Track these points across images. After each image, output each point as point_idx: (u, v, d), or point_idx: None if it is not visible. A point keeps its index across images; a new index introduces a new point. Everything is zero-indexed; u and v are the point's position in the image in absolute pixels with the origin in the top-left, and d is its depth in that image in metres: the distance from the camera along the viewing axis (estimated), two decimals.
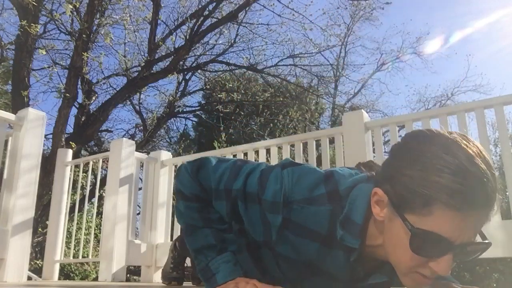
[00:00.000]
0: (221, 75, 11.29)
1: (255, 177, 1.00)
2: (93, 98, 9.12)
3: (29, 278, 3.85)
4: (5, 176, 2.87)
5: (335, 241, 0.95)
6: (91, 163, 4.01)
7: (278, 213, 0.96)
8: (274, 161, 3.23)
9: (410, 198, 0.81)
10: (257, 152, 3.37)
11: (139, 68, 9.00)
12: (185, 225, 1.10)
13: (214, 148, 7.96)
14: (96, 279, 9.85)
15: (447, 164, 0.78)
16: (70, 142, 7.04)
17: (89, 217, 7.66)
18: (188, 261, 2.17)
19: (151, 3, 8.47)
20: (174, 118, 12.28)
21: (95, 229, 6.71)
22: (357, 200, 0.93)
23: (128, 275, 7.85)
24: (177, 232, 3.40)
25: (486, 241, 0.84)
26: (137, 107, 11.40)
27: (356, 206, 0.93)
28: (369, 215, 0.92)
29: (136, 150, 3.65)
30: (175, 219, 1.98)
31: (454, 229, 0.78)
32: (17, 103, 7.10)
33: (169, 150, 9.28)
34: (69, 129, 8.59)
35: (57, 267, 3.57)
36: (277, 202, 0.95)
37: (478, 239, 0.85)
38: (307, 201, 0.94)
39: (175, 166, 3.73)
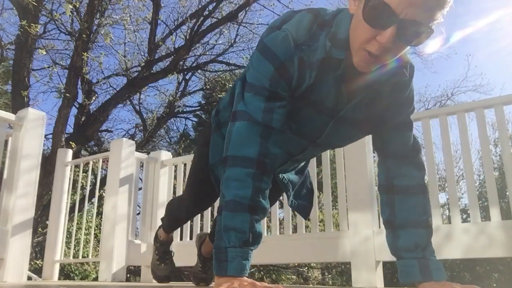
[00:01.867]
0: (221, 75, 11.29)
1: (271, 42, 1.10)
2: (93, 98, 9.13)
3: (29, 278, 3.85)
4: (5, 176, 2.87)
5: (326, 62, 1.09)
6: (91, 163, 4.01)
7: (294, 58, 1.08)
8: None
9: None
10: None
11: (139, 68, 9.00)
12: (231, 199, 1.05)
13: None
14: (96, 279, 9.86)
15: None
16: (70, 142, 7.05)
17: (89, 217, 7.66)
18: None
19: (151, 3, 8.47)
20: (174, 118, 12.28)
21: (95, 229, 6.72)
22: (342, 19, 1.08)
23: (128, 275, 7.85)
24: (177, 232, 3.40)
25: (430, 26, 0.95)
26: (137, 107, 11.41)
27: (341, 24, 1.07)
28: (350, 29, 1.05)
29: (136, 150, 3.65)
30: (165, 211, 1.97)
31: (400, 2, 0.91)
32: (17, 103, 7.11)
33: (169, 150, 9.28)
34: (69, 129, 8.61)
35: (57, 267, 3.57)
36: (292, 47, 1.07)
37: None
38: (309, 39, 1.08)
39: (175, 166, 3.73)
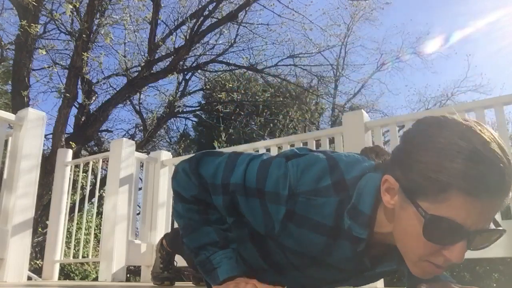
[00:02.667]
0: (221, 75, 11.29)
1: (254, 169, 0.98)
2: (93, 98, 9.12)
3: (29, 278, 3.85)
4: (5, 176, 2.87)
5: (341, 232, 0.93)
6: (91, 163, 4.01)
7: (281, 204, 0.93)
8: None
9: (423, 184, 0.79)
10: (257, 152, 3.37)
11: (139, 68, 9.00)
12: (184, 224, 1.08)
13: (214, 148, 7.96)
14: (96, 279, 9.86)
15: (461, 150, 0.76)
16: (70, 142, 7.04)
17: (89, 217, 7.66)
18: (181, 261, 2.16)
19: (151, 3, 8.47)
20: (174, 118, 12.28)
21: (95, 229, 6.71)
22: (365, 190, 0.91)
23: (128, 275, 7.84)
24: None
25: (500, 228, 0.83)
26: (137, 107, 11.40)
27: (364, 196, 0.90)
28: (377, 204, 0.90)
29: (136, 150, 3.65)
30: (173, 236, 1.99)
31: (468, 215, 0.77)
32: (17, 103, 7.11)
33: (169, 150, 9.28)
34: (69, 129, 8.61)
35: (57, 267, 3.57)
36: (281, 194, 0.93)
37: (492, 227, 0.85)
38: (313, 192, 0.92)
39: (175, 166, 3.73)
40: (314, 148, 3.18)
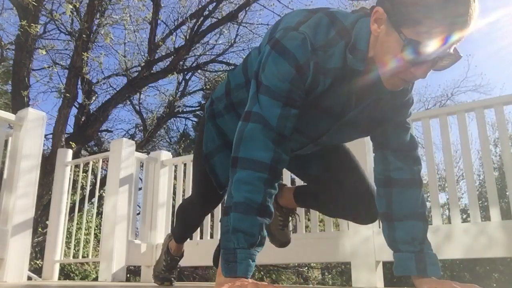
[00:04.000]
0: (221, 75, 11.28)
1: (283, 57, 1.09)
2: (93, 98, 9.13)
3: (29, 278, 3.85)
4: (5, 176, 2.87)
5: (344, 71, 1.11)
6: (91, 163, 4.01)
7: (310, 63, 1.08)
8: None
9: (406, 14, 0.98)
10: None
11: (139, 68, 9.00)
12: (242, 201, 1.04)
13: None
14: (96, 279, 9.86)
15: None
16: (70, 142, 7.05)
17: (89, 217, 7.66)
18: (181, 261, 2.16)
19: (151, 3, 8.47)
20: (174, 118, 12.28)
21: (95, 229, 6.72)
22: (361, 31, 1.09)
23: (128, 275, 7.85)
24: None
25: (459, 54, 1.01)
26: (137, 107, 11.40)
27: (361, 36, 1.08)
28: (369, 40, 1.08)
29: (136, 150, 3.65)
30: (175, 219, 1.96)
31: (435, 42, 0.96)
32: (17, 103, 7.11)
33: (169, 150, 9.28)
34: (69, 129, 8.61)
35: (57, 267, 3.57)
36: (309, 51, 1.08)
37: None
38: (326, 45, 1.09)
39: (175, 166, 3.73)
40: None
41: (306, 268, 12.76)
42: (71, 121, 8.49)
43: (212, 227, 3.44)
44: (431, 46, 0.97)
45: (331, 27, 1.11)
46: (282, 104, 1.09)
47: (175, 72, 9.11)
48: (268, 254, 3.01)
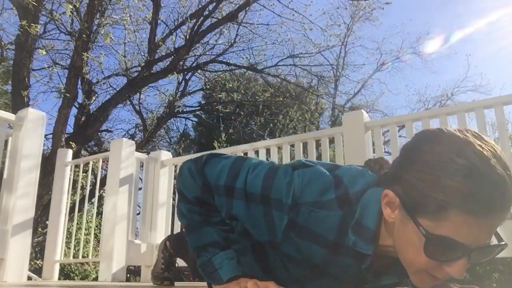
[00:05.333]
0: (221, 75, 11.28)
1: (260, 175, 0.97)
2: (93, 98, 9.13)
3: (29, 278, 3.85)
4: (5, 176, 2.87)
5: (343, 248, 0.93)
6: (91, 163, 4.01)
7: (284, 212, 0.94)
8: (274, 161, 3.23)
9: (423, 202, 0.78)
10: (257, 152, 3.37)
11: (139, 68, 9.00)
12: (187, 224, 1.08)
13: (214, 148, 7.97)
14: (96, 279, 9.85)
15: (460, 167, 0.75)
16: (70, 142, 7.04)
17: (89, 217, 7.66)
18: (182, 261, 2.17)
19: (151, 3, 8.47)
20: (174, 118, 12.29)
21: (95, 229, 6.71)
22: (369, 205, 0.91)
23: (128, 275, 7.85)
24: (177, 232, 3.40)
25: (502, 243, 0.82)
26: (137, 107, 11.41)
27: (368, 211, 0.90)
28: (381, 219, 0.90)
29: (136, 150, 3.65)
30: (175, 219, 1.97)
31: (469, 233, 0.76)
32: (17, 103, 7.11)
33: (169, 150, 9.28)
34: (69, 129, 8.61)
35: (57, 267, 3.57)
36: (284, 202, 0.93)
37: (494, 240, 0.83)
38: (316, 204, 0.92)
39: (175, 166, 3.73)
40: (314, 148, 3.19)
41: None
42: (71, 121, 8.50)
43: None
44: (461, 241, 0.76)
45: (331, 188, 0.92)
46: (224, 185, 1.00)
47: (175, 72, 9.11)
48: None
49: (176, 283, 2.19)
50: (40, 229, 7.91)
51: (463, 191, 0.74)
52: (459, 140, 0.80)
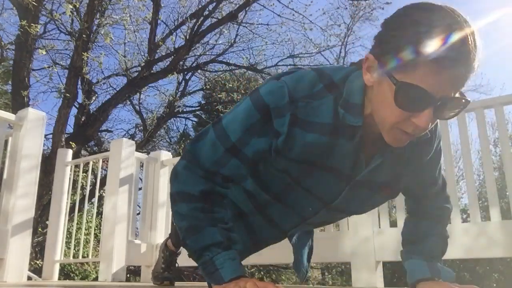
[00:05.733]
0: (221, 75, 11.29)
1: (246, 107, 1.03)
2: (93, 98, 9.13)
3: (29, 278, 3.85)
4: (5, 176, 2.87)
5: (340, 129, 1.01)
6: (91, 163, 4.01)
7: (285, 113, 0.99)
8: None
9: (396, 55, 0.87)
10: None
11: (139, 68, 9.00)
12: (188, 226, 1.05)
13: None
14: (96, 279, 9.85)
15: (431, 23, 0.85)
16: (70, 142, 7.05)
17: (89, 217, 7.66)
18: (182, 261, 2.17)
19: (151, 3, 8.47)
20: (174, 118, 12.28)
21: (95, 229, 6.71)
22: (353, 84, 1.00)
23: (128, 275, 7.85)
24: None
25: (466, 98, 0.90)
26: (137, 107, 11.40)
27: (353, 90, 0.99)
28: (365, 94, 0.99)
29: (136, 150, 3.65)
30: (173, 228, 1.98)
31: (435, 83, 0.85)
32: (17, 103, 7.11)
33: (169, 150, 9.28)
34: (69, 129, 8.61)
35: (57, 267, 3.57)
36: (282, 104, 0.99)
37: None
38: (309, 96, 1.00)
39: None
40: None
41: None
42: (71, 121, 8.50)
43: None
44: (427, 89, 0.85)
45: (318, 80, 1.01)
46: (225, 150, 1.03)
47: (175, 72, 9.11)
48: (268, 254, 3.02)
49: (176, 283, 2.20)
50: (40, 229, 7.91)
51: (432, 43, 0.83)
52: (434, 5, 0.89)
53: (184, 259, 2.14)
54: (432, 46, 0.83)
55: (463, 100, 0.90)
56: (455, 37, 0.84)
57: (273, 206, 1.22)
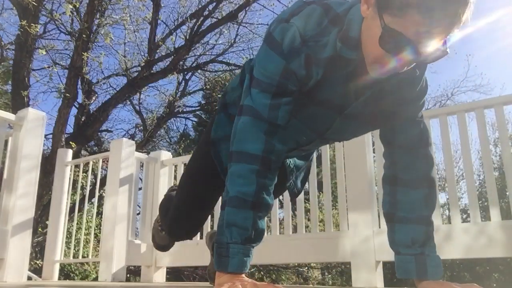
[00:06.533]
0: (221, 75, 11.29)
1: (272, 52, 1.08)
2: (93, 98, 9.13)
3: (29, 278, 3.85)
4: (5, 176, 2.87)
5: (337, 61, 1.07)
6: (91, 163, 4.01)
7: (300, 54, 1.06)
8: None
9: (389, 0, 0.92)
10: None
11: (139, 68, 9.00)
12: (235, 196, 1.04)
13: None
14: (96, 279, 9.86)
15: None
16: (70, 142, 7.05)
17: (89, 217, 7.66)
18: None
19: (151, 3, 8.48)
20: (174, 118, 12.29)
21: (95, 229, 6.71)
22: (353, 17, 1.04)
23: (128, 275, 7.84)
24: None
25: (445, 48, 0.95)
26: (137, 107, 11.40)
27: (353, 23, 1.04)
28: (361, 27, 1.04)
29: (136, 150, 3.65)
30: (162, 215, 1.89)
31: (419, 32, 0.90)
32: (17, 103, 7.11)
33: (169, 150, 9.27)
34: (69, 129, 8.61)
35: (57, 267, 3.57)
36: (296, 46, 1.06)
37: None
38: (318, 35, 1.06)
39: (175, 166, 3.73)
40: None
41: (306, 268, 12.76)
42: (71, 121, 8.51)
43: (212, 227, 3.44)
44: (410, 37, 0.91)
45: (324, 16, 1.07)
46: (272, 95, 1.08)
47: (175, 72, 9.12)
48: (268, 254, 3.03)
49: (177, 283, 2.19)
50: (40, 229, 7.91)
51: None
52: None
53: (184, 259, 2.15)
54: None
55: (443, 51, 0.96)
56: None
57: None
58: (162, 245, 1.95)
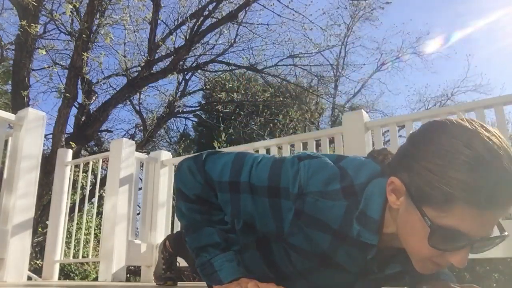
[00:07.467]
0: (221, 75, 11.29)
1: (266, 167, 0.98)
2: (93, 98, 9.12)
3: (29, 278, 3.85)
4: (5, 176, 2.87)
5: (347, 238, 0.94)
6: (91, 163, 4.01)
7: (291, 202, 0.94)
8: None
9: (429, 192, 0.79)
10: (257, 152, 3.37)
11: (139, 68, 9.00)
12: (186, 223, 1.07)
13: (214, 148, 7.96)
14: (96, 279, 9.85)
15: (467, 159, 0.76)
16: (70, 142, 7.05)
17: (89, 217, 7.66)
18: (183, 261, 2.16)
19: (151, 3, 8.47)
20: (174, 118, 12.29)
21: (95, 229, 6.71)
22: (373, 195, 0.91)
23: (128, 275, 7.84)
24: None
25: (504, 234, 0.84)
26: (137, 107, 11.40)
27: (373, 202, 0.91)
28: (385, 209, 0.91)
29: (136, 150, 3.65)
30: (175, 219, 1.97)
31: (473, 225, 0.77)
32: (17, 103, 7.11)
33: (169, 150, 9.27)
34: (69, 129, 8.61)
35: (57, 267, 3.57)
36: (290, 191, 0.94)
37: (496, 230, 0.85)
38: (321, 194, 0.92)
39: (175, 166, 3.73)
40: (314, 148, 3.18)
41: None
42: (71, 121, 8.50)
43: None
44: (465, 232, 0.78)
45: (337, 180, 0.92)
46: (229, 181, 1.00)
47: (175, 72, 9.11)
48: None
49: (178, 284, 2.20)
50: (40, 229, 7.91)
51: (469, 184, 0.75)
52: (467, 130, 0.80)
53: (186, 262, 2.15)
54: (470, 188, 0.75)
55: (500, 238, 0.83)
56: (496, 177, 0.75)
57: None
58: (167, 278, 2.14)
